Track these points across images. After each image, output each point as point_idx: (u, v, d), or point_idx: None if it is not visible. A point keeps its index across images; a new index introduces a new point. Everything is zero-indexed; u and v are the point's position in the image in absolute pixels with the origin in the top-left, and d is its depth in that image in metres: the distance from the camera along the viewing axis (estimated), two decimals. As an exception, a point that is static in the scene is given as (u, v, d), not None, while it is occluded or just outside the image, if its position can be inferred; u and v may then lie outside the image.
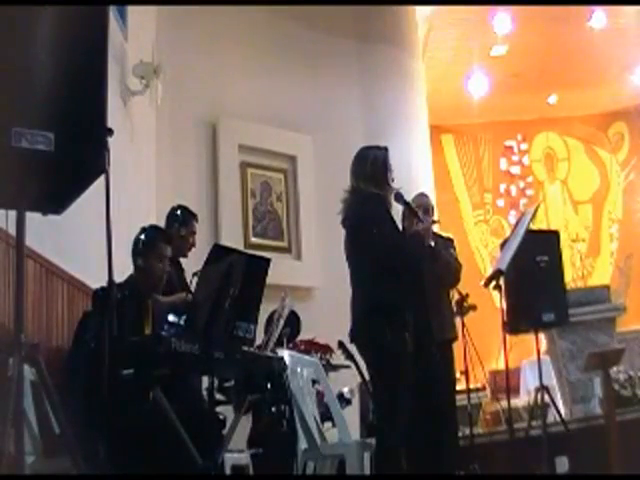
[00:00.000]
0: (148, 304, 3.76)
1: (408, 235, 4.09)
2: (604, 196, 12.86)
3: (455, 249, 5.06)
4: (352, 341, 4.09)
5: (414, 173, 8.06)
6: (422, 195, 5.06)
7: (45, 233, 3.23)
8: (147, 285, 3.79)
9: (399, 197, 4.17)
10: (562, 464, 4.90)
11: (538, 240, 5.06)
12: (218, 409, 4.35)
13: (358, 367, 5.05)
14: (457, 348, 5.02)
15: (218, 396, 4.50)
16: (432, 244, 4.22)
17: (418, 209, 4.69)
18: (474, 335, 5.07)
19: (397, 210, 4.35)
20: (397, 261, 3.91)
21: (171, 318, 3.64)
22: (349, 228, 4.05)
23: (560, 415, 5.02)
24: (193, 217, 4.86)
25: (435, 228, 5.03)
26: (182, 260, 4.76)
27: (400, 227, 4.26)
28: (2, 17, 1.90)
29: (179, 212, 4.80)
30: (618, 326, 6.90)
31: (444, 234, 5.40)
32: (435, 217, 5.08)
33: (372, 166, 4.08)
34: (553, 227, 10.76)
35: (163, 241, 3.88)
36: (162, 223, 4.70)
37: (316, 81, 7.89)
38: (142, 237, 3.78)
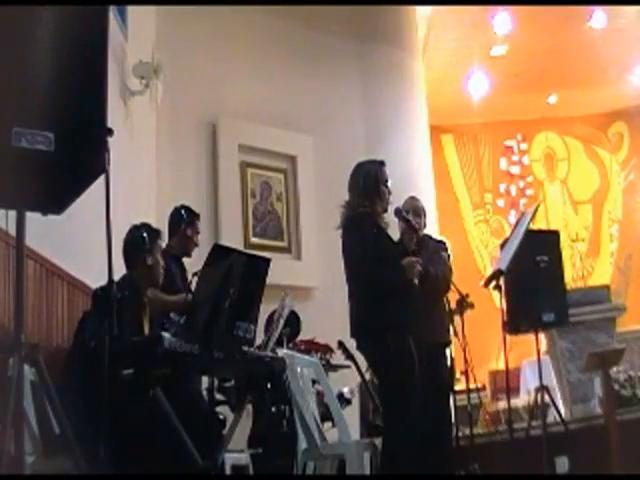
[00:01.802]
0: (146, 303, 3.75)
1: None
2: (604, 196, 12.86)
3: (447, 250, 5.06)
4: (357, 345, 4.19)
5: (414, 173, 8.06)
6: (412, 198, 5.07)
7: (45, 233, 3.22)
8: (152, 282, 3.80)
9: (398, 213, 4.26)
10: (562, 464, 4.90)
11: (538, 240, 5.06)
12: (218, 409, 4.36)
13: (358, 367, 5.05)
14: (457, 349, 5.01)
15: (218, 396, 4.51)
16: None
17: (408, 212, 4.74)
18: (474, 335, 5.07)
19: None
20: (380, 287, 4.00)
21: (172, 316, 3.66)
22: (342, 247, 4.14)
23: (560, 415, 5.02)
24: (196, 217, 4.88)
25: (433, 231, 5.04)
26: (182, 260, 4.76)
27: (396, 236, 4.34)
28: (2, 17, 1.90)
29: (184, 212, 4.80)
30: (618, 326, 6.89)
31: (438, 237, 5.37)
32: (426, 221, 5.07)
33: (365, 181, 4.17)
34: (553, 227, 10.76)
35: (159, 237, 3.92)
36: (162, 223, 4.69)
37: (316, 81, 7.89)
38: (145, 235, 3.78)
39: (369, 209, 4.14)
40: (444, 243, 5.16)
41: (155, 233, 3.90)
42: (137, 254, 3.76)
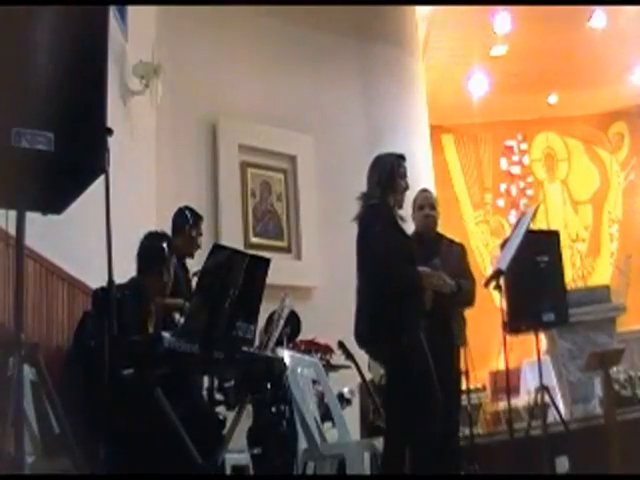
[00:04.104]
0: (152, 308, 3.76)
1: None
2: (604, 196, 12.85)
3: (466, 255, 5.03)
4: (365, 343, 4.13)
5: (414, 173, 8.02)
6: (425, 191, 5.04)
7: (45, 233, 3.22)
8: (161, 292, 3.81)
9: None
10: (562, 464, 4.90)
11: (538, 240, 5.05)
12: (218, 409, 4.36)
13: (358, 367, 5.05)
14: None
15: (218, 396, 4.51)
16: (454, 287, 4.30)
17: (424, 208, 4.72)
18: (474, 335, 5.06)
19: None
20: (392, 283, 3.96)
21: (172, 315, 3.65)
22: (358, 237, 4.10)
23: (560, 415, 5.02)
24: (200, 218, 4.90)
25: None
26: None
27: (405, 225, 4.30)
28: (2, 17, 1.90)
29: (188, 213, 4.81)
30: (618, 326, 6.90)
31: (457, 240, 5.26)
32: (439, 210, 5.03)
33: (380, 173, 4.14)
34: (553, 227, 10.75)
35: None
36: (162, 223, 4.69)
37: (316, 81, 7.89)
38: (165, 247, 3.79)
39: (379, 200, 4.10)
40: (463, 247, 5.10)
41: (172, 246, 3.91)
42: (153, 263, 3.76)
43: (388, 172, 4.15)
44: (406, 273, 4.03)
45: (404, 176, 4.20)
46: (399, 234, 4.13)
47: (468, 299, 4.74)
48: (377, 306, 3.97)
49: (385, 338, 3.92)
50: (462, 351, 4.83)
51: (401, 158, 4.25)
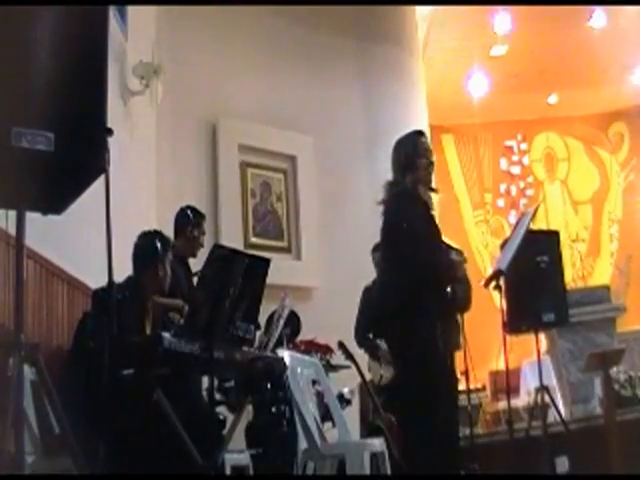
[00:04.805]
0: (149, 307, 3.76)
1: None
2: (604, 196, 12.86)
3: (465, 261, 5.01)
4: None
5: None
6: None
7: (45, 233, 3.22)
8: (158, 290, 3.81)
9: None
10: (562, 464, 4.90)
11: (538, 240, 5.05)
12: (218, 409, 4.36)
13: (358, 367, 5.04)
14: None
15: (218, 396, 4.51)
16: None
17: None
18: (474, 335, 5.06)
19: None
20: (428, 273, 3.91)
21: (171, 315, 3.65)
22: (386, 224, 4.05)
23: (560, 415, 5.02)
24: (202, 218, 4.89)
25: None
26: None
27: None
28: (2, 17, 1.90)
29: (190, 213, 4.81)
30: (618, 326, 6.90)
31: (454, 245, 5.24)
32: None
33: (399, 157, 4.07)
34: (553, 227, 10.75)
35: (170, 247, 3.95)
36: (162, 223, 4.69)
37: (316, 81, 7.89)
38: (158, 246, 3.80)
39: (404, 186, 4.02)
40: (462, 253, 5.08)
41: (167, 243, 3.92)
42: (148, 261, 3.77)
43: (407, 153, 4.06)
44: (440, 261, 3.96)
45: (426, 152, 4.10)
46: (430, 224, 4.07)
47: (463, 305, 4.74)
48: (403, 299, 3.90)
49: (407, 332, 3.88)
50: (458, 354, 4.84)
51: (420, 134, 4.18)
